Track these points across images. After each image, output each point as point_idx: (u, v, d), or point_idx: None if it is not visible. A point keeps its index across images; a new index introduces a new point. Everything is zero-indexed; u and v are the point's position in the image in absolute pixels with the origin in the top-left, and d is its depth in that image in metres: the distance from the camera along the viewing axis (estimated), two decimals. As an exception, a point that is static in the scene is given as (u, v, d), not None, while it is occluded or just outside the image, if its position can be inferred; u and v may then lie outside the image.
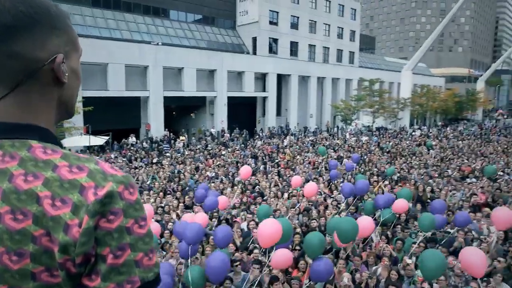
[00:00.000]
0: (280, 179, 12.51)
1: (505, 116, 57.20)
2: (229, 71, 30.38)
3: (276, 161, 16.54)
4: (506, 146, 21.66)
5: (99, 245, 0.71)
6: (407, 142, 24.08)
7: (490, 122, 45.29)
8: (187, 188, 11.60)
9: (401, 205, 8.26)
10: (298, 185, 9.29)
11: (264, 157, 17.80)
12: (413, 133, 31.27)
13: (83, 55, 0.88)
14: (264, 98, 34.39)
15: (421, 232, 7.81)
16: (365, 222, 6.95)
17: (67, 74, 0.80)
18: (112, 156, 18.84)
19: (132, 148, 21.58)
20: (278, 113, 35.62)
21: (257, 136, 28.83)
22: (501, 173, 13.96)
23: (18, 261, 0.68)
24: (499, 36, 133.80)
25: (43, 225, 0.69)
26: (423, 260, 5.02)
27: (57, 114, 0.83)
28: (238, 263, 6.11)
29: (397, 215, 8.54)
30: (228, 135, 27.67)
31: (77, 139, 19.15)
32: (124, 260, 0.72)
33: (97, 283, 0.71)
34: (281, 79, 35.57)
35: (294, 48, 38.14)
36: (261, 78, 33.95)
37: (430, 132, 31.72)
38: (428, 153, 19.34)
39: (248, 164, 16.31)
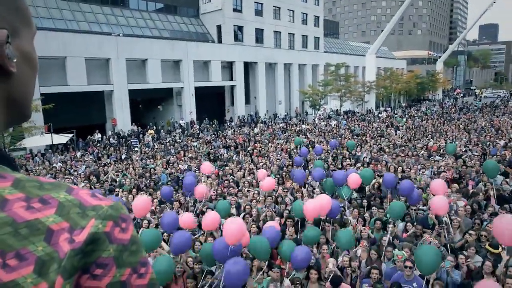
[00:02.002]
0: (254, 167, 12.41)
1: (462, 95, 59.99)
2: (195, 61, 29.74)
3: (249, 149, 16.42)
4: (466, 124, 22.66)
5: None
6: (375, 124, 24.66)
7: (450, 101, 47.32)
8: (160, 183, 11.27)
9: (354, 179, 8.43)
10: (264, 178, 9.24)
11: (236, 147, 17.63)
12: (380, 115, 32.10)
13: (36, 49, 0.61)
14: (232, 87, 34.04)
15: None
16: (323, 201, 7.07)
17: (15, 60, 0.54)
18: (78, 154, 18.01)
19: (98, 144, 20.73)
20: (247, 101, 35.43)
21: (227, 126, 28.56)
22: (464, 150, 14.58)
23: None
24: (454, 18, 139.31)
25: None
26: (419, 255, 5.05)
27: (7, 117, 0.57)
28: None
29: (353, 191, 8.79)
30: (197, 126, 27.21)
31: (38, 138, 18.11)
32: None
33: None
34: (248, 67, 35.30)
35: (259, 35, 37.85)
36: (228, 66, 33.52)
37: (396, 113, 32.69)
38: (396, 134, 19.90)
39: (221, 155, 16.12)
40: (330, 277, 5.45)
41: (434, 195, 7.37)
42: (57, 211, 0.49)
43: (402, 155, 13.62)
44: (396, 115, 30.63)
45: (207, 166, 10.40)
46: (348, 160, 13.14)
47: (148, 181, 11.42)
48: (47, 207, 0.49)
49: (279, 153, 15.30)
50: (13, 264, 0.45)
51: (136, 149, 19.38)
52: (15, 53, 0.54)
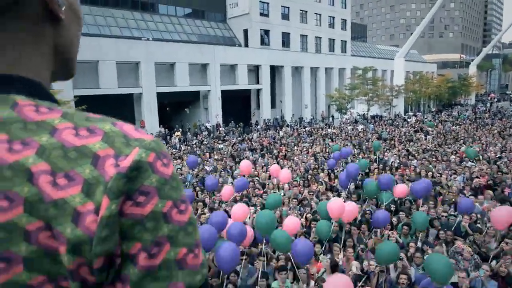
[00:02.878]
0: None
1: (496, 100, 57.54)
2: (222, 64, 30.06)
3: (274, 152, 16.41)
4: (501, 129, 21.72)
5: (126, 240, 0.50)
6: (404, 129, 24.06)
7: (484, 106, 45.51)
8: (186, 183, 11.45)
9: (401, 189, 8.21)
10: (288, 179, 9.22)
11: (261, 149, 17.66)
12: (409, 120, 31.30)
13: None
14: (258, 91, 34.15)
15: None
16: (350, 207, 6.96)
17: (63, 8, 0.56)
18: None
19: (127, 145, 21.27)
20: (273, 105, 35.43)
21: (253, 129, 28.67)
22: (499, 156, 13.97)
23: (5, 270, 0.47)
24: (488, 20, 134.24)
25: (40, 214, 0.48)
26: (429, 264, 4.85)
27: (54, 67, 0.59)
28: (245, 256, 5.99)
29: (397, 199, 8.52)
30: (223, 128, 27.46)
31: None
32: (162, 260, 0.51)
33: None
34: (274, 70, 35.32)
35: (285, 39, 37.82)
36: (254, 70, 33.67)
37: (425, 118, 31.77)
38: (426, 139, 19.34)
39: (246, 157, 16.20)
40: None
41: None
42: (103, 139, 0.51)
43: (432, 160, 13.21)
44: (425, 119, 29.76)
45: (246, 164, 10.48)
46: (375, 164, 12.88)
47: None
48: (93, 135, 0.51)
49: (305, 156, 15.19)
50: (62, 184, 0.48)
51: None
52: (63, 0, 0.57)
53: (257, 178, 11.82)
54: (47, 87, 0.57)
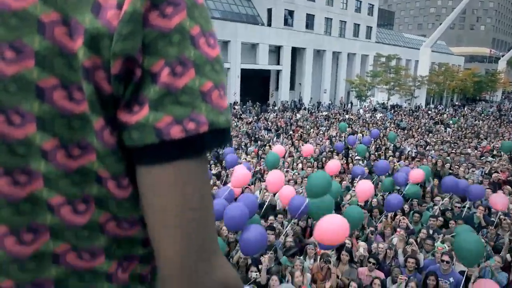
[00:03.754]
0: (294, 150, 12.34)
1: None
2: (243, 43, 29.76)
3: (290, 133, 16.36)
4: (526, 127, 21.05)
5: (148, 55, 0.45)
6: (424, 120, 23.55)
7: (510, 103, 44.02)
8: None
9: (417, 174, 8.03)
10: (309, 153, 9.15)
11: (277, 129, 17.62)
12: (429, 112, 30.60)
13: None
14: (278, 72, 33.81)
15: (436, 205, 7.68)
16: (364, 186, 6.88)
17: None
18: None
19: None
20: (292, 87, 35.09)
21: (270, 110, 28.55)
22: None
23: (15, 62, 0.43)
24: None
25: (57, 5, 0.43)
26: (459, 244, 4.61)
27: None
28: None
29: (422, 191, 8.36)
30: (239, 107, 27.42)
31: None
32: (186, 84, 0.45)
33: (144, 115, 0.45)
34: (296, 52, 34.79)
35: (309, 21, 37.01)
36: (275, 51, 33.25)
37: (447, 112, 31.00)
38: (445, 131, 18.91)
39: (261, 135, 16.20)
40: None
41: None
42: None
43: (451, 152, 12.93)
44: (447, 113, 29.04)
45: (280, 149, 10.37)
46: (390, 152, 12.70)
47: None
48: None
49: (320, 138, 15.09)
50: None
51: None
52: None
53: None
54: None
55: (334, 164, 8.56)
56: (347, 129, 17.32)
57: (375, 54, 38.87)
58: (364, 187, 6.77)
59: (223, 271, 0.52)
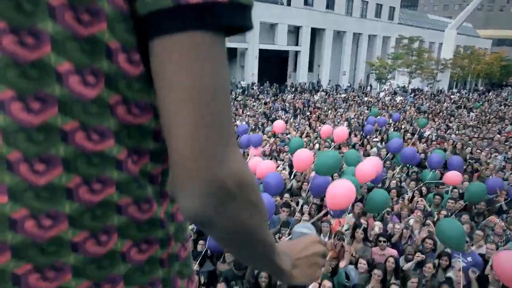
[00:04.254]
0: (311, 130, 12.25)
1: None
2: (262, 22, 29.29)
3: (307, 113, 16.21)
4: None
5: None
6: (446, 104, 22.92)
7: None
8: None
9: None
10: (328, 134, 9.05)
11: (295, 110, 17.49)
12: (452, 96, 29.71)
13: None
14: (297, 53, 33.28)
15: (455, 188, 7.52)
16: (371, 162, 6.65)
17: None
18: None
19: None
20: (310, 69, 34.57)
21: (288, 91, 28.29)
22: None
23: None
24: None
25: None
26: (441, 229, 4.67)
27: None
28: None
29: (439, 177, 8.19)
30: (257, 87, 27.26)
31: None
32: None
33: None
34: (315, 33, 34.08)
35: (330, 1, 36.03)
36: (294, 31, 32.65)
37: (472, 97, 30.05)
38: (468, 115, 18.38)
39: (279, 116, 16.12)
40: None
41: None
42: None
43: (473, 136, 12.60)
44: (471, 98, 28.15)
45: (280, 124, 10.46)
46: (409, 134, 12.46)
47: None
48: None
49: (338, 120, 14.91)
50: None
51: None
52: None
53: (288, 137, 11.79)
54: None
55: (341, 131, 8.56)
56: (366, 111, 17.03)
57: (398, 36, 37.72)
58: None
59: (239, 165, 0.49)
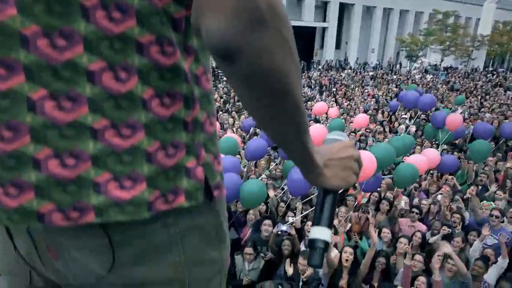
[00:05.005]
0: (337, 106, 12.03)
1: None
2: (288, -3, 28.59)
3: (333, 90, 15.89)
4: None
5: None
6: (480, 82, 21.85)
7: None
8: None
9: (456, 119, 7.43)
10: (363, 125, 8.73)
11: (321, 87, 17.18)
12: (487, 75, 28.27)
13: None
14: (324, 29, 32.39)
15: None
16: (430, 155, 6.39)
17: None
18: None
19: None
20: (337, 46, 33.64)
21: (314, 68, 27.75)
22: None
23: None
24: None
25: None
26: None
27: None
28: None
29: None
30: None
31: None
32: None
33: None
34: (344, 8, 32.95)
35: (360, -26, 34.61)
36: (322, 6, 31.68)
37: (509, 75, 28.50)
38: (505, 94, 17.49)
39: (304, 92, 15.88)
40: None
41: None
42: None
43: (510, 115, 12.00)
44: (508, 76, 26.69)
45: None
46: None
47: (231, 106, 11.81)
48: None
49: (365, 97, 14.55)
50: None
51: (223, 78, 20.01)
52: None
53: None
54: None
55: (361, 118, 8.24)
56: (395, 89, 16.47)
57: (431, 11, 35.86)
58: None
59: None
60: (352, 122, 9.51)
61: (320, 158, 0.68)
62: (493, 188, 6.06)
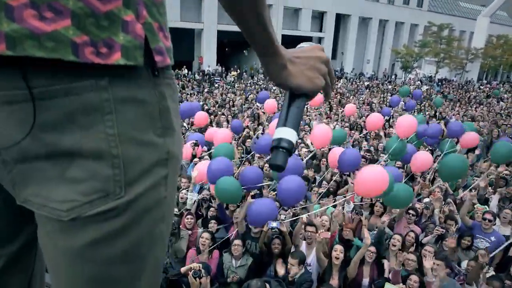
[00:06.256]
0: (331, 112, 12.07)
1: None
2: (286, 7, 28.90)
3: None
4: None
5: None
6: (474, 93, 22.07)
7: None
8: (239, 114, 11.63)
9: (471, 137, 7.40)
10: (352, 113, 8.85)
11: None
12: (481, 87, 28.56)
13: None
14: (320, 39, 32.71)
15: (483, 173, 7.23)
16: (423, 156, 6.38)
17: None
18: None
19: (184, 78, 21.90)
20: (333, 56, 33.97)
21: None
22: None
23: None
24: None
25: None
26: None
27: None
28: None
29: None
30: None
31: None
32: None
33: None
34: (340, 19, 33.37)
35: (357, -14, 35.14)
36: (319, 17, 32.08)
37: (503, 88, 28.81)
38: (498, 104, 17.67)
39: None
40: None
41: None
42: None
43: (503, 123, 12.10)
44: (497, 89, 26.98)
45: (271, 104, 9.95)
46: (434, 119, 12.09)
47: (227, 110, 11.81)
48: None
49: (360, 104, 14.61)
50: None
51: (217, 84, 20.08)
52: None
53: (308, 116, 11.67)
54: None
55: (376, 117, 7.87)
56: (389, 97, 16.55)
57: (427, 23, 36.39)
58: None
59: None
60: (346, 128, 9.56)
61: (285, 52, 0.67)
62: (482, 183, 6.05)
